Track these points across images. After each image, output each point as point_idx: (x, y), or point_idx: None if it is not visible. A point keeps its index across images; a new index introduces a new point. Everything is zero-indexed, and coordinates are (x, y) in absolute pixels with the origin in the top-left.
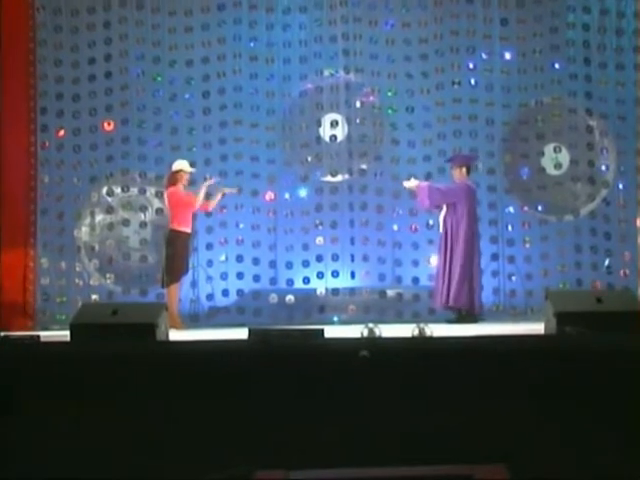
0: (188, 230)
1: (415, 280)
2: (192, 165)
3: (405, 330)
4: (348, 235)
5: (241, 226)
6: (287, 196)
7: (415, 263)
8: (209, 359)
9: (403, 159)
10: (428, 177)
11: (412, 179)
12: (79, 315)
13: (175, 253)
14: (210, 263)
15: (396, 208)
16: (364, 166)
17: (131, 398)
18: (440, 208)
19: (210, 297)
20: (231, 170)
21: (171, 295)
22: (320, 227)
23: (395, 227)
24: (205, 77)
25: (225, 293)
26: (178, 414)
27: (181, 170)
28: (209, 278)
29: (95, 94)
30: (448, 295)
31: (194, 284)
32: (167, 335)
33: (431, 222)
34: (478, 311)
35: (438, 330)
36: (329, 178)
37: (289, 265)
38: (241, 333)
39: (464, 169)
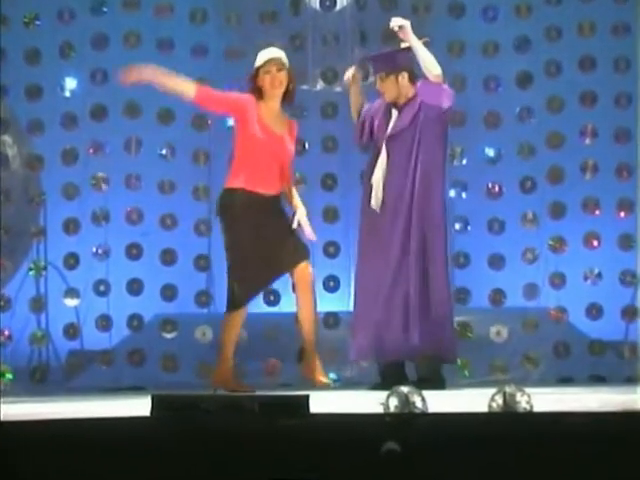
0: (272, 192)
1: (492, 294)
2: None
3: (476, 398)
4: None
5: (138, 184)
6: (231, 123)
7: (494, 258)
8: (75, 454)
9: (473, 45)
10: (524, 83)
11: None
12: None
13: (243, 239)
14: (73, 260)
15: (458, 141)
16: None
17: None
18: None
19: (73, 331)
20: (115, 70)
21: (232, 328)
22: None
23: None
24: None
25: (105, 323)
26: None
27: (270, 60)
28: (70, 291)
29: None
30: (408, 333)
31: (39, 303)
32: None
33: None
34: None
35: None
36: (320, 86)
37: None
38: (138, 404)
39: (402, 77)
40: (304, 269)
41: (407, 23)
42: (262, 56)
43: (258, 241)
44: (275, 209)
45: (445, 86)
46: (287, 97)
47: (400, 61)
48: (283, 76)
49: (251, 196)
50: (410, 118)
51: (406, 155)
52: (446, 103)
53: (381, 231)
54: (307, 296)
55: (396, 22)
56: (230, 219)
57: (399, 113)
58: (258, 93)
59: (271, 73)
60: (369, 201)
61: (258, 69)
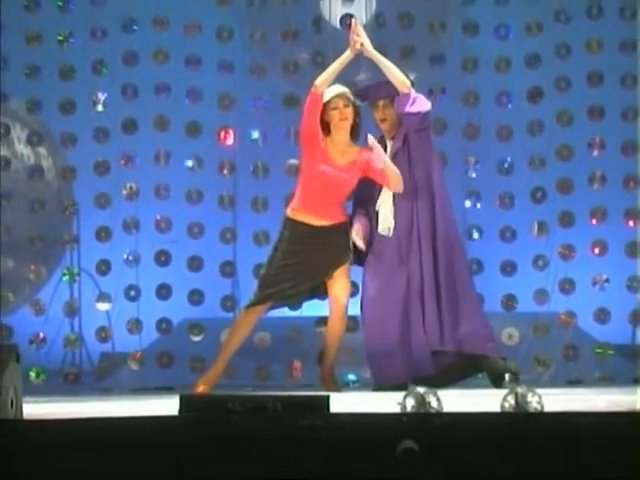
0: (335, 222)
1: (504, 300)
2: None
3: (488, 399)
4: None
5: (166, 194)
6: (256, 135)
7: (506, 265)
8: (106, 451)
9: (486, 61)
10: (534, 98)
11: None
12: None
13: (292, 258)
14: (105, 266)
15: (472, 153)
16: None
17: None
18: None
19: (105, 334)
20: (145, 85)
21: (240, 326)
22: None
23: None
24: None
25: (135, 326)
26: None
27: (337, 96)
28: (102, 296)
29: None
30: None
31: (72, 307)
32: (20, 408)
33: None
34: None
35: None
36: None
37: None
38: (167, 404)
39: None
40: (342, 275)
41: (367, 40)
42: (329, 93)
43: (305, 263)
44: (334, 237)
45: (415, 94)
46: (354, 132)
47: (378, 90)
48: (349, 112)
49: (316, 230)
50: (402, 138)
51: (406, 174)
52: (422, 108)
53: (393, 256)
54: (340, 309)
55: (357, 39)
56: (288, 245)
57: (393, 141)
58: (326, 128)
59: (339, 109)
60: (375, 228)
61: (325, 105)
